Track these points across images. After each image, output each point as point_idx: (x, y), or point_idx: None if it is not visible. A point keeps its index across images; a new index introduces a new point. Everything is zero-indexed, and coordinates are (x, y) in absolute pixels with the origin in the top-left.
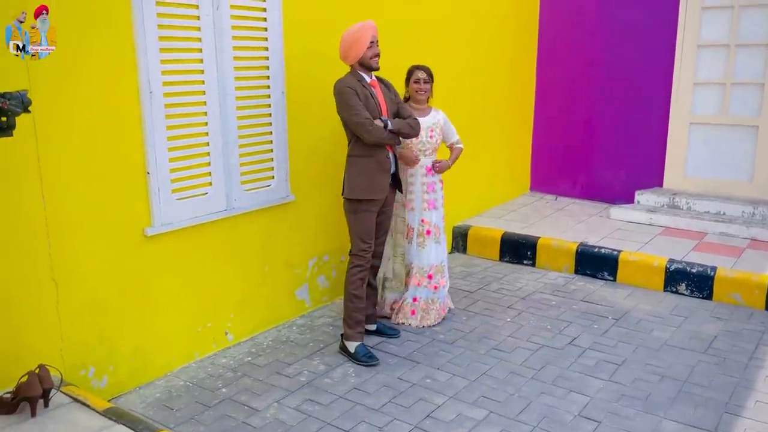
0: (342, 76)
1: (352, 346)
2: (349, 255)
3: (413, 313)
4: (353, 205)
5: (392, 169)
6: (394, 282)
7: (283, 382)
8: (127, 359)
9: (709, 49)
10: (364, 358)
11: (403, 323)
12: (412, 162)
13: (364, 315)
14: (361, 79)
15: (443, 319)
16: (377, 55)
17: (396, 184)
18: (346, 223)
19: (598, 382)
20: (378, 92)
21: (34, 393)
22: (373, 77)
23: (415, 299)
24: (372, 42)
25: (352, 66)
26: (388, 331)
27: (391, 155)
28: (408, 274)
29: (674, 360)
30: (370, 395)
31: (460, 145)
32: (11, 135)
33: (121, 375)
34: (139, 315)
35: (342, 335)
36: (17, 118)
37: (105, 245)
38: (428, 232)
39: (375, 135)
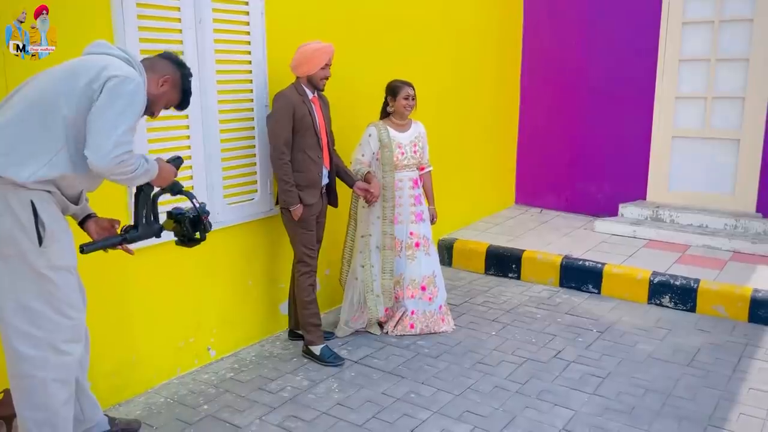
0: (286, 87)
1: (317, 349)
2: (295, 264)
3: (412, 326)
4: (288, 213)
5: (324, 182)
6: (383, 297)
7: (266, 398)
8: (107, 376)
9: (690, 63)
10: (331, 359)
11: (403, 335)
12: (373, 197)
13: (320, 319)
14: (303, 94)
15: (434, 332)
16: (327, 78)
17: (330, 196)
18: (287, 232)
19: (582, 396)
20: (317, 109)
21: (9, 412)
22: (315, 94)
23: (413, 312)
24: (326, 64)
25: (298, 78)
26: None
27: (323, 171)
28: (399, 286)
29: (658, 373)
30: (353, 411)
31: (430, 168)
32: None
33: (100, 392)
34: (120, 331)
35: (304, 341)
36: None
37: (84, 260)
38: (417, 244)
39: (275, 167)
